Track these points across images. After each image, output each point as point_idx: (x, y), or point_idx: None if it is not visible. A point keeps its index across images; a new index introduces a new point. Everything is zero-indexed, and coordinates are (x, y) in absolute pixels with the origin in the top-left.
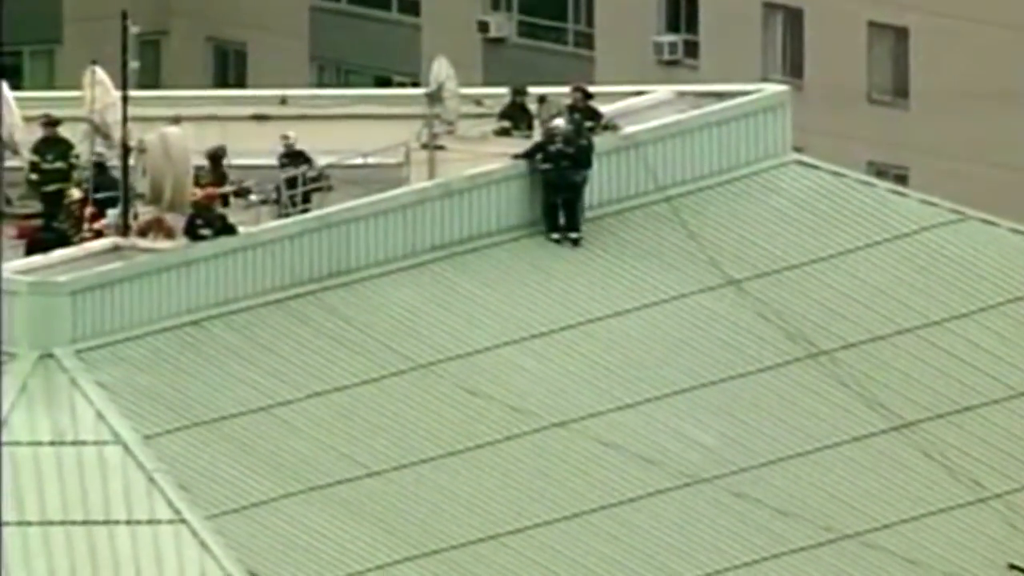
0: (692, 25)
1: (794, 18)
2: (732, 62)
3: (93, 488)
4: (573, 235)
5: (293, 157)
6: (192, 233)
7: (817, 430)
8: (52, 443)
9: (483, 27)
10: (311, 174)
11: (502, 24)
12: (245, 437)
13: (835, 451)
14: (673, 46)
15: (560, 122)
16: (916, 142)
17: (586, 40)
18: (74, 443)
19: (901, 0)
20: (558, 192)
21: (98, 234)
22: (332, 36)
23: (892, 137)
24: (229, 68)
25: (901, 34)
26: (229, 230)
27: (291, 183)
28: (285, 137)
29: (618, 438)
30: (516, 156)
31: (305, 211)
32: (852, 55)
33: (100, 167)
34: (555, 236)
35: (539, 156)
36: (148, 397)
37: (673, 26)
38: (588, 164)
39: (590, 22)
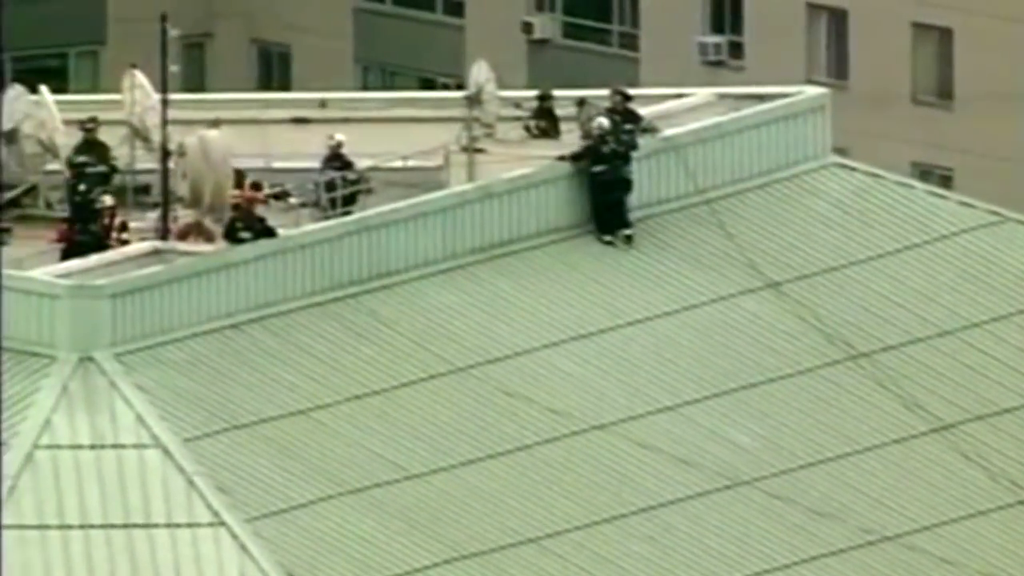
0: (736, 26)
1: (838, 19)
2: (776, 63)
3: (133, 491)
4: (627, 232)
5: (335, 160)
6: (232, 236)
7: (856, 432)
8: (92, 446)
9: (527, 28)
10: (350, 177)
11: (546, 25)
12: (284, 440)
13: (874, 453)
14: (717, 47)
15: (603, 120)
16: (960, 143)
17: (630, 41)
18: (114, 446)
19: (945, 1)
20: (612, 191)
21: (124, 243)
22: (376, 38)
23: (936, 138)
24: (273, 70)
25: (945, 35)
26: (268, 233)
27: (330, 186)
28: (331, 138)
29: (657, 440)
30: (565, 158)
31: (346, 214)
32: (896, 56)
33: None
34: (608, 237)
35: (591, 158)
36: (188, 400)
37: (717, 27)
38: (631, 161)
39: (635, 23)
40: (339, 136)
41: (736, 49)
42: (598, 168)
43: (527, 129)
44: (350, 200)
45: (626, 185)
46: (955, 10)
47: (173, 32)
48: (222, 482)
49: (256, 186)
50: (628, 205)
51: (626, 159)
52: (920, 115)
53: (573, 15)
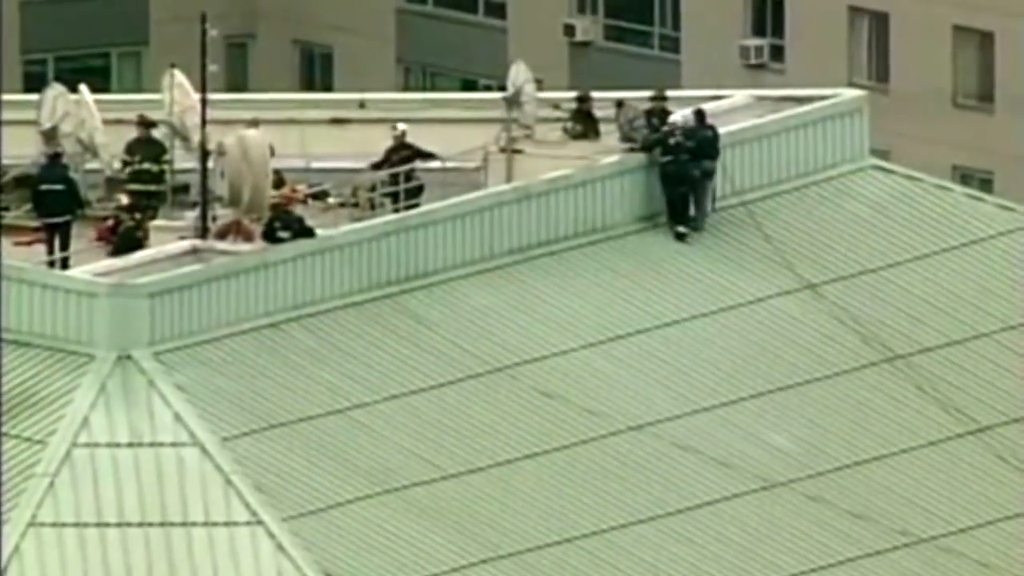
0: (778, 29)
1: (880, 22)
2: (818, 66)
3: (170, 490)
4: (680, 228)
5: (402, 149)
6: (271, 236)
7: (893, 434)
8: (130, 444)
9: (569, 30)
10: (426, 165)
11: (588, 27)
12: (322, 439)
13: (911, 455)
14: (759, 50)
15: (679, 116)
16: (1001, 146)
17: (672, 44)
18: (152, 444)
19: (986, 4)
20: (677, 185)
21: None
22: (418, 39)
23: (977, 141)
24: (315, 71)
25: (986, 39)
26: (307, 232)
27: (397, 177)
28: (394, 128)
29: (694, 442)
30: (636, 149)
31: (414, 207)
32: (938, 59)
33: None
34: (680, 229)
35: (659, 149)
36: (226, 399)
37: (759, 30)
38: (711, 156)
39: (676, 26)
40: (402, 125)
41: (777, 52)
42: (664, 159)
43: (565, 130)
44: (416, 193)
45: (690, 181)
46: (997, 13)
47: (213, 32)
48: (260, 481)
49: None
50: (705, 201)
51: (694, 155)
52: (961, 119)
53: (615, 17)
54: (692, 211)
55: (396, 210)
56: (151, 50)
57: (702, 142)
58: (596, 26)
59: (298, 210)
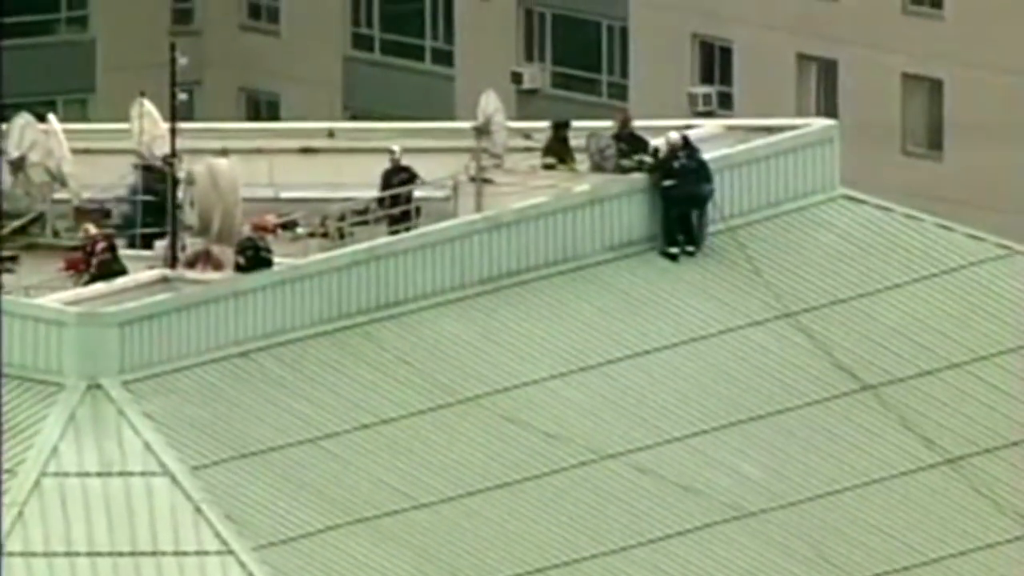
0: (726, 76)
1: (828, 68)
2: (767, 112)
3: (140, 519)
4: (690, 249)
5: (399, 172)
6: (237, 265)
7: (865, 464)
8: (100, 474)
9: (516, 78)
10: (417, 191)
11: (535, 75)
12: (292, 469)
13: (883, 485)
14: (707, 97)
15: (675, 135)
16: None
17: (620, 91)
18: (121, 474)
19: (935, 52)
20: (683, 206)
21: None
22: (365, 86)
23: (926, 187)
24: (261, 118)
25: (935, 86)
26: (263, 261)
27: (395, 199)
28: (391, 152)
29: (665, 471)
30: (640, 169)
31: (408, 229)
32: (887, 104)
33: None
34: (673, 251)
35: (661, 173)
36: (196, 428)
37: (707, 77)
38: (709, 178)
39: (624, 73)
40: (397, 148)
41: (725, 99)
42: (668, 183)
43: (549, 165)
44: (405, 217)
45: (695, 201)
46: (946, 61)
47: (182, 60)
48: (230, 510)
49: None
50: (704, 223)
51: (698, 176)
52: (909, 163)
53: (562, 65)
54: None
55: (394, 232)
56: (97, 97)
57: (702, 164)
58: (543, 74)
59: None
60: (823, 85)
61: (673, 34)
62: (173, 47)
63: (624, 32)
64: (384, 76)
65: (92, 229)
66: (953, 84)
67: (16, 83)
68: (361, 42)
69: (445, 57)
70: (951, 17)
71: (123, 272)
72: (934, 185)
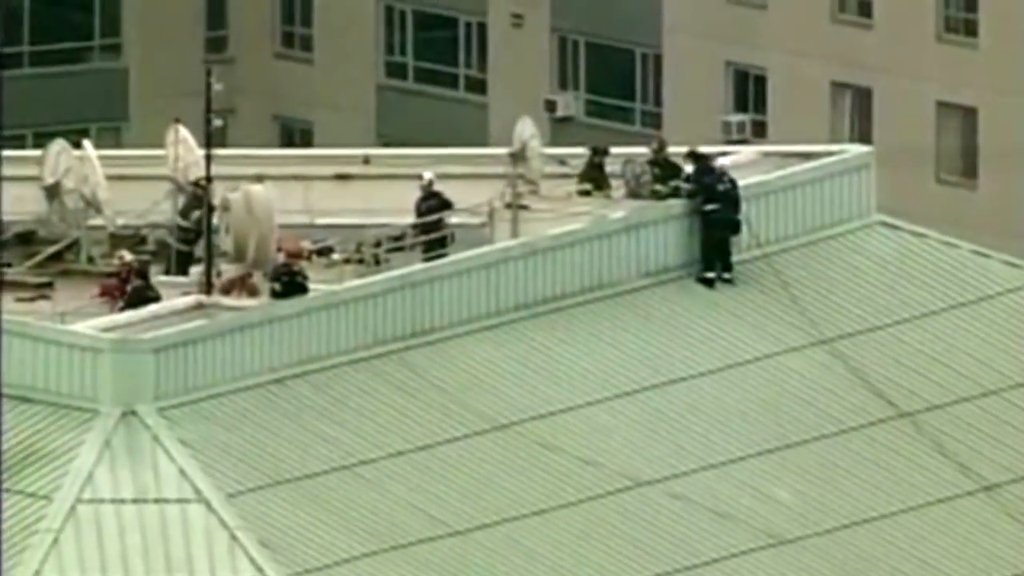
0: (760, 104)
1: (862, 96)
2: (800, 140)
3: (176, 546)
4: (727, 276)
5: (431, 198)
6: (272, 291)
7: (901, 491)
8: (135, 500)
9: (550, 106)
10: (453, 217)
11: (569, 103)
12: (327, 495)
13: (919, 512)
14: (741, 125)
15: (724, 161)
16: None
17: (654, 119)
18: (157, 500)
19: (969, 81)
20: (723, 230)
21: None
22: (399, 114)
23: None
24: (295, 146)
25: (969, 113)
26: (298, 287)
27: (428, 226)
28: (421, 178)
29: (701, 498)
30: (680, 195)
31: (441, 256)
32: (921, 131)
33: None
34: (710, 275)
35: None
36: (231, 455)
37: (741, 105)
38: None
39: (658, 101)
40: (428, 174)
41: (760, 127)
42: (710, 207)
43: (585, 192)
44: (442, 243)
45: (735, 227)
46: (979, 89)
47: (217, 86)
48: (265, 537)
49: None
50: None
51: (736, 202)
52: (943, 191)
53: (596, 93)
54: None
55: (427, 259)
56: (130, 125)
57: (738, 191)
58: (577, 102)
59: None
60: (857, 113)
61: (707, 61)
62: (209, 72)
63: (658, 60)
64: (417, 104)
65: (127, 256)
66: (987, 111)
67: (50, 111)
68: (395, 70)
69: (478, 85)
70: (985, 44)
71: (157, 299)
72: (968, 213)
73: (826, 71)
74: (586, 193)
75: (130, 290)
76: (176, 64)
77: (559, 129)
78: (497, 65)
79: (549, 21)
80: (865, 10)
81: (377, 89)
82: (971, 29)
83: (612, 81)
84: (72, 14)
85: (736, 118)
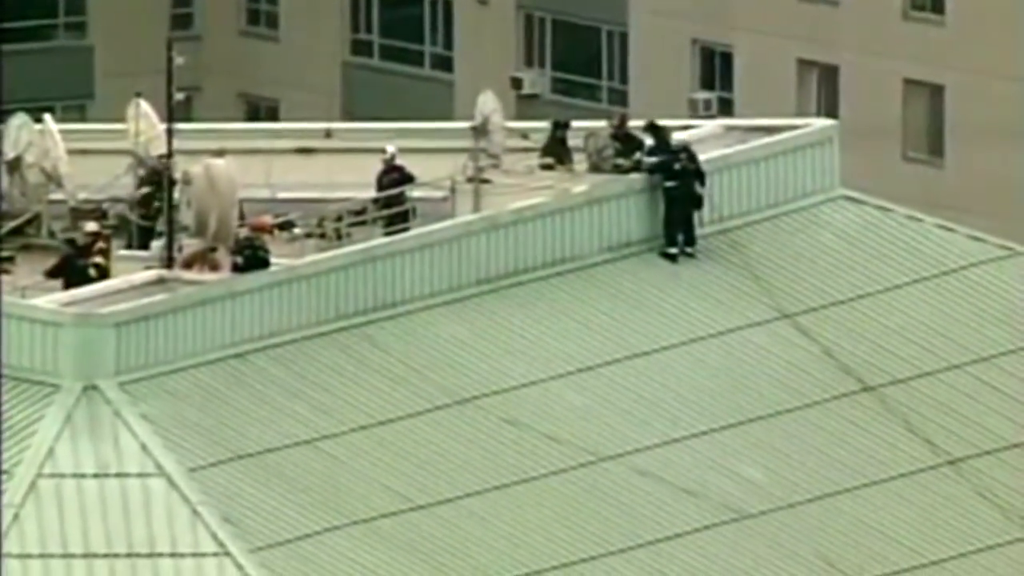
0: (726, 82)
1: (829, 74)
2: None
3: (137, 521)
4: (690, 250)
5: (392, 171)
6: (234, 265)
7: (866, 466)
8: (96, 475)
9: (516, 83)
10: (415, 191)
11: (535, 80)
12: (289, 470)
13: (884, 487)
14: (708, 103)
15: (684, 135)
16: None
17: (620, 97)
18: (118, 475)
19: (936, 59)
20: (683, 206)
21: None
22: (365, 92)
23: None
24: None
25: (936, 91)
26: (260, 261)
27: (389, 200)
28: (384, 151)
29: (665, 473)
30: (640, 170)
31: (404, 231)
32: (888, 109)
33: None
34: (672, 251)
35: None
36: (192, 430)
37: (708, 83)
38: (703, 179)
39: (624, 79)
40: (391, 148)
41: (726, 105)
42: (670, 184)
43: (547, 166)
44: (403, 217)
45: (697, 201)
46: (947, 67)
47: (179, 59)
48: (227, 512)
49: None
50: (696, 222)
51: (700, 176)
52: (911, 169)
53: (562, 70)
54: (681, 235)
55: (388, 234)
56: (95, 103)
57: (699, 165)
58: (543, 79)
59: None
60: (824, 90)
61: (674, 39)
62: (170, 46)
63: (624, 37)
64: (383, 82)
65: (92, 226)
66: (954, 89)
67: (14, 89)
68: (360, 48)
69: (445, 63)
70: (952, 22)
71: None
72: (935, 191)
73: (793, 49)
74: (548, 167)
75: (59, 259)
76: (141, 42)
77: (525, 106)
78: (463, 43)
79: None
80: None
81: (343, 67)
82: (938, 7)
83: (578, 59)
84: None
85: (703, 96)
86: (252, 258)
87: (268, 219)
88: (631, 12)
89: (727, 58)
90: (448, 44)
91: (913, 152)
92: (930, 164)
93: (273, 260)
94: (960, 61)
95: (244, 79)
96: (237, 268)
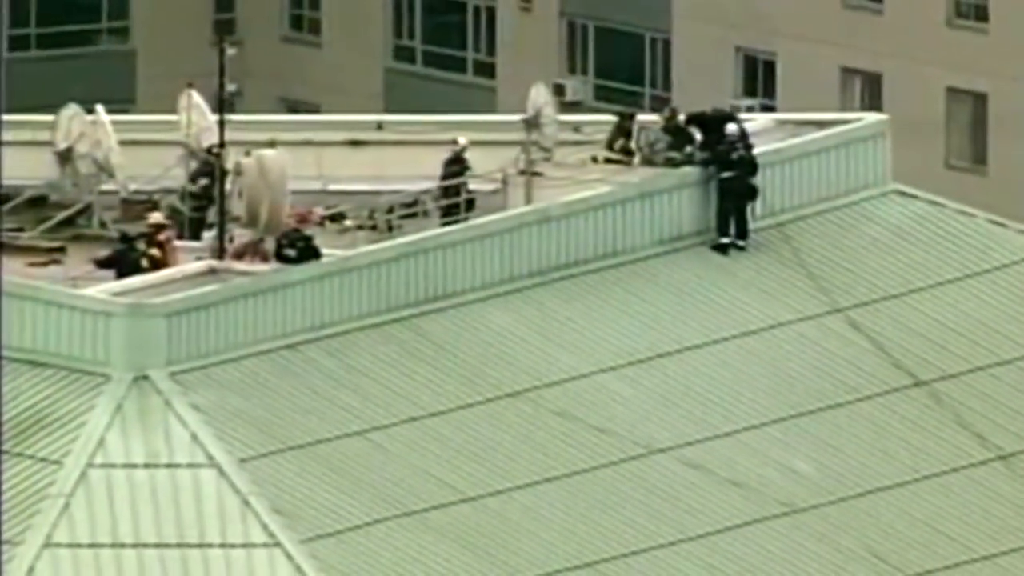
0: (769, 89)
1: (872, 81)
2: None
3: (187, 511)
4: (741, 243)
5: (455, 163)
6: (279, 255)
7: (917, 460)
8: (147, 465)
9: (559, 90)
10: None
11: (578, 87)
12: (340, 461)
13: (935, 481)
14: (751, 109)
15: (733, 127)
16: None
17: (663, 104)
18: (168, 466)
19: (980, 67)
20: (738, 197)
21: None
22: (407, 98)
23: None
24: None
25: (979, 99)
26: (313, 252)
27: (447, 191)
28: (454, 142)
29: (716, 467)
30: (695, 163)
31: (464, 220)
32: (932, 117)
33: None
34: (725, 241)
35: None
36: (243, 420)
37: (750, 90)
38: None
39: (667, 86)
40: (462, 140)
41: (769, 112)
42: (726, 174)
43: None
44: (468, 206)
45: (752, 192)
46: (990, 76)
47: (231, 51)
48: (277, 503)
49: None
50: (749, 215)
51: (753, 168)
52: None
53: (605, 77)
54: (734, 227)
55: (447, 224)
56: (137, 107)
57: (754, 157)
58: (586, 86)
59: (313, 232)
60: (867, 98)
61: (716, 46)
62: (222, 39)
63: (667, 44)
64: (426, 88)
65: (157, 216)
66: (997, 97)
67: (57, 93)
68: (403, 54)
69: (487, 69)
70: (995, 30)
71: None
72: (978, 199)
73: (836, 56)
74: (615, 161)
75: (112, 252)
76: (184, 46)
77: (568, 113)
78: (506, 49)
79: (558, 5)
80: None
81: (385, 72)
82: (982, 15)
83: (621, 65)
84: None
85: (745, 102)
86: (305, 250)
87: (317, 211)
88: (674, 19)
89: (770, 65)
90: (491, 50)
91: (956, 160)
92: (973, 171)
93: (324, 252)
94: (1004, 69)
95: (286, 84)
96: (290, 260)
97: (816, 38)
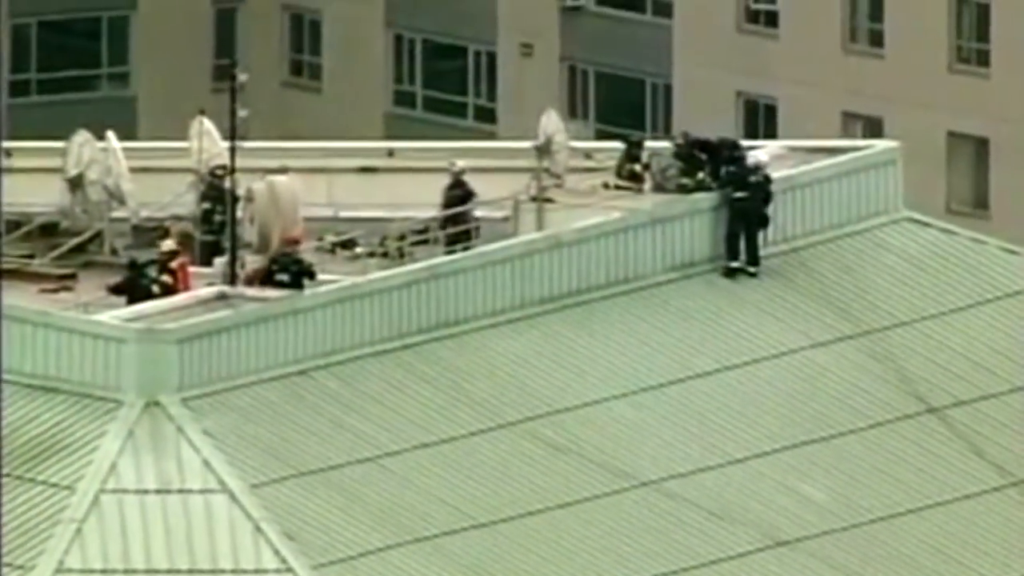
0: (770, 133)
1: (874, 126)
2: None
3: (199, 537)
4: (752, 270)
5: (456, 187)
6: (270, 280)
7: (929, 487)
8: (158, 491)
9: None
10: (477, 210)
11: (579, 132)
12: (352, 487)
13: (948, 508)
14: None
15: (762, 156)
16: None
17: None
18: (180, 491)
19: (981, 111)
20: (750, 221)
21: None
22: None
23: None
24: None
25: (981, 143)
26: (306, 274)
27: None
28: (452, 164)
29: (728, 494)
30: (711, 188)
31: (466, 248)
32: (933, 162)
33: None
34: (735, 264)
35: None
36: (255, 446)
37: (751, 135)
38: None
39: (668, 130)
40: (460, 163)
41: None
42: (740, 194)
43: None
44: (466, 235)
45: (763, 220)
46: (990, 119)
47: (242, 77)
48: (289, 528)
49: None
50: (759, 242)
51: (767, 197)
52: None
53: (606, 122)
54: (745, 253)
55: (450, 251)
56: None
57: (769, 186)
58: (587, 130)
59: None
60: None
61: (717, 91)
62: (234, 64)
63: (668, 89)
64: (426, 133)
65: (170, 244)
66: (999, 142)
67: (57, 138)
68: (403, 99)
69: (487, 114)
70: (997, 75)
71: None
72: None
73: (837, 101)
74: (625, 188)
75: (123, 279)
76: (184, 91)
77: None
78: (506, 94)
79: (559, 50)
80: (876, 40)
81: (385, 118)
82: (983, 60)
83: (622, 110)
84: (80, 41)
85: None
86: (299, 273)
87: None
88: (675, 64)
89: (771, 110)
90: (491, 95)
91: (957, 205)
92: (975, 216)
93: (336, 278)
94: (1006, 113)
95: (287, 129)
96: (283, 285)
97: (817, 83)
